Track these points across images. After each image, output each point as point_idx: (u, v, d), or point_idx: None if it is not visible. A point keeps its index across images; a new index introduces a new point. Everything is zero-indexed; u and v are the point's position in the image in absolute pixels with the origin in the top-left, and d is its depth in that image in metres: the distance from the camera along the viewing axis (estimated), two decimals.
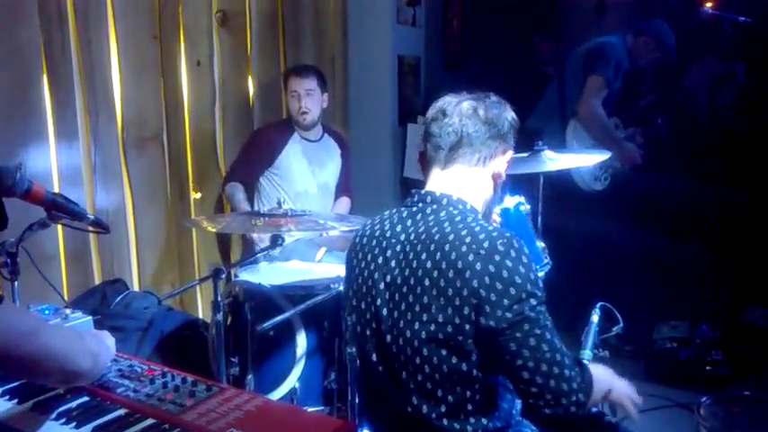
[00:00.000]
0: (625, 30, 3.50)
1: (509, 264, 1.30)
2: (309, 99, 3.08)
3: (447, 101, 1.49)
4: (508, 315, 1.28)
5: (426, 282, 1.36)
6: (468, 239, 1.34)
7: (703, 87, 3.86)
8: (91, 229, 1.77)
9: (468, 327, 1.31)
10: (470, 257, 1.31)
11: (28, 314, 1.24)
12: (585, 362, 1.73)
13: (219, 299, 1.94)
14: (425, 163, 1.52)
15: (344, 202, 3.32)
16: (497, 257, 1.30)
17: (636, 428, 1.62)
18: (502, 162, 1.50)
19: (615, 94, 3.42)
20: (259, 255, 2.42)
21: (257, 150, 3.13)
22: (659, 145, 3.54)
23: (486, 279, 1.29)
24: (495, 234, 1.34)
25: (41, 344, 1.15)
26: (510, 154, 1.51)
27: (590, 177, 3.35)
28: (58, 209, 1.61)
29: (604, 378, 1.50)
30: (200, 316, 3.15)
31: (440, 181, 1.48)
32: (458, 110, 1.46)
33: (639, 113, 3.64)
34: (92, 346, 1.30)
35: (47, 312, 1.63)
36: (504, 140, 1.49)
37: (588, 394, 1.34)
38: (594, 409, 1.71)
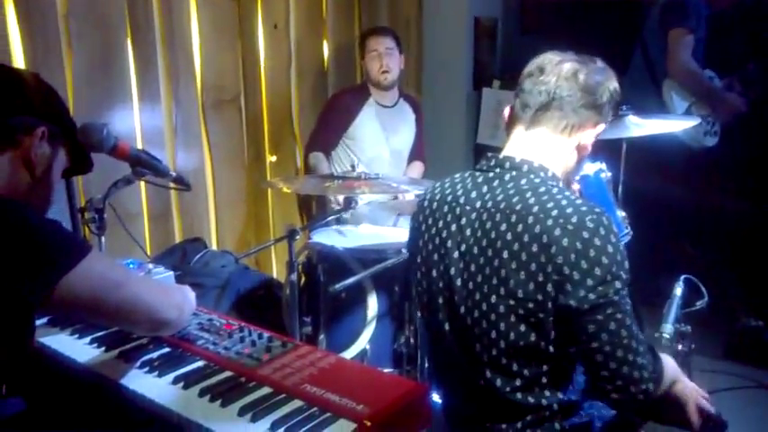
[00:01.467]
0: None
1: (597, 242, 1.23)
2: (389, 58, 3.05)
3: (548, 58, 1.39)
4: (591, 296, 1.22)
5: (505, 254, 1.29)
6: (554, 212, 1.26)
7: None
8: (173, 185, 1.82)
9: (549, 305, 1.26)
10: (557, 232, 1.24)
11: (117, 265, 1.30)
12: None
13: (294, 259, 1.97)
14: (511, 119, 1.44)
15: (418, 167, 3.29)
16: (586, 234, 1.23)
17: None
18: (591, 135, 1.39)
19: (702, 43, 3.21)
20: (332, 218, 2.44)
21: (335, 116, 3.12)
22: (756, 95, 3.29)
23: (573, 256, 1.22)
24: (584, 209, 1.26)
25: (130, 293, 1.21)
26: (601, 127, 1.40)
27: (699, 133, 3.16)
28: (142, 164, 1.66)
29: (673, 368, 1.43)
30: (275, 276, 3.22)
31: (520, 143, 1.40)
32: (557, 69, 1.36)
33: (730, 60, 3.38)
34: (177, 297, 1.35)
35: (131, 266, 1.70)
36: (598, 112, 1.38)
37: (658, 384, 1.28)
38: None
